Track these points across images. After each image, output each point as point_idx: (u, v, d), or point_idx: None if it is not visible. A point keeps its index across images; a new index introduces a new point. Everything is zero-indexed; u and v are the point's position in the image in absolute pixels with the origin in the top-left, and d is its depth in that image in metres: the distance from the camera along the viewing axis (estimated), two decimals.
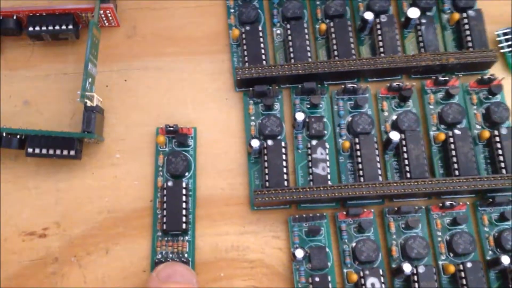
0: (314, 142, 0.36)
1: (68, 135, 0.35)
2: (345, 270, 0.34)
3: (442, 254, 0.34)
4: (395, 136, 0.35)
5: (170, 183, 0.35)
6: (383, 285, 0.33)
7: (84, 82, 0.35)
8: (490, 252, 0.34)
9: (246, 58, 0.37)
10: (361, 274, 0.33)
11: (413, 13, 0.37)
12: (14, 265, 0.34)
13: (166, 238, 0.35)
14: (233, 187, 0.36)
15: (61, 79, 0.38)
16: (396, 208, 0.34)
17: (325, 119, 0.37)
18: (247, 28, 0.38)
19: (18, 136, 0.35)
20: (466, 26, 0.37)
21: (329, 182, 0.35)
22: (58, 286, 0.34)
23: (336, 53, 0.37)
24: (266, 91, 0.37)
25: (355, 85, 0.36)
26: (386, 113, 0.37)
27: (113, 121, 0.37)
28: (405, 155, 0.35)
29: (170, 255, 0.34)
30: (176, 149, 0.36)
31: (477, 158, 0.36)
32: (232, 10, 0.39)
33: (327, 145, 0.36)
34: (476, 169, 0.35)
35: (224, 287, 0.34)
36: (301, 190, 0.34)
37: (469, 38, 0.37)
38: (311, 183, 0.35)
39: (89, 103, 0.35)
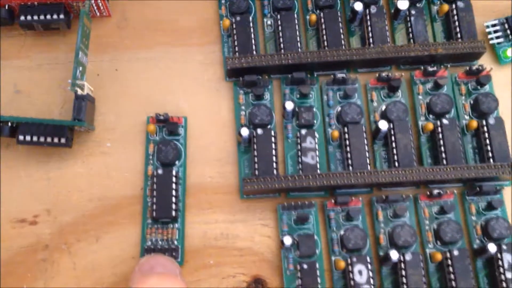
0: (303, 131, 0.36)
1: (59, 123, 0.35)
2: (333, 258, 0.34)
3: (430, 243, 0.34)
4: (383, 125, 0.35)
5: (160, 171, 0.35)
6: (370, 273, 0.33)
7: (74, 71, 0.35)
8: (477, 241, 0.35)
9: (236, 48, 0.38)
10: (349, 261, 0.33)
11: (403, 4, 0.38)
12: (4, 252, 0.34)
13: (156, 226, 0.35)
14: (222, 175, 0.36)
15: (52, 69, 0.38)
16: (384, 197, 0.35)
17: (314, 109, 0.37)
18: (238, 18, 0.38)
19: (10, 124, 0.35)
20: (455, 18, 0.38)
21: (318, 171, 0.35)
22: (48, 272, 0.34)
23: (326, 43, 0.38)
24: (256, 81, 0.37)
25: (344, 75, 0.37)
26: (375, 103, 0.37)
27: (104, 110, 0.38)
28: (394, 145, 0.35)
29: (160, 243, 0.34)
30: (166, 138, 0.37)
31: (465, 148, 0.36)
32: (223, 1, 0.39)
33: (316, 134, 0.36)
34: (464, 159, 0.35)
35: (214, 274, 0.34)
36: (290, 178, 0.34)
37: (458, 29, 0.37)
38: (300, 172, 0.35)
39: (79, 92, 0.35)
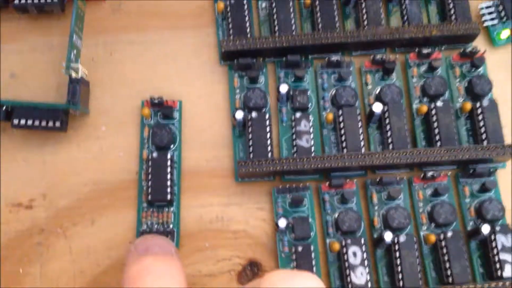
0: (298, 114, 0.36)
1: (53, 106, 0.35)
2: (327, 240, 0.34)
3: (424, 225, 0.35)
4: (377, 107, 0.35)
5: (155, 155, 0.35)
6: (364, 254, 0.33)
7: (69, 54, 0.35)
8: (471, 223, 0.35)
9: (231, 31, 0.38)
10: (343, 243, 0.33)
11: None
12: (1, 236, 0.35)
13: (151, 209, 0.35)
14: (217, 159, 0.36)
15: (47, 52, 0.38)
16: (378, 179, 0.35)
17: (309, 92, 0.37)
18: (232, 1, 0.38)
19: (5, 108, 0.35)
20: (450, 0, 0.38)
21: (313, 154, 0.35)
22: (44, 256, 0.34)
23: (320, 26, 0.37)
24: (250, 64, 0.37)
25: (339, 58, 0.37)
26: (369, 86, 0.37)
27: (99, 94, 0.38)
28: (388, 127, 0.35)
29: (156, 226, 0.35)
30: (161, 121, 0.37)
31: (459, 130, 0.36)
32: None
33: (311, 117, 0.36)
34: (458, 141, 0.35)
35: (209, 257, 0.34)
36: (284, 161, 0.34)
37: (452, 11, 0.37)
38: (295, 155, 0.35)
39: (74, 75, 0.35)
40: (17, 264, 0.34)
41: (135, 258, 0.29)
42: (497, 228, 0.33)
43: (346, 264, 0.33)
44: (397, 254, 0.33)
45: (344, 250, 0.33)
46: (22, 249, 0.34)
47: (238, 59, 0.37)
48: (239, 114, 0.35)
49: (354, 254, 0.33)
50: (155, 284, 0.27)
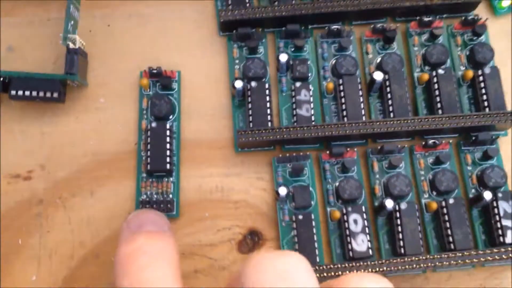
0: (298, 84, 0.36)
1: (51, 76, 0.35)
2: (328, 209, 0.34)
3: (425, 193, 0.34)
4: (378, 76, 0.35)
5: (154, 125, 0.35)
6: (365, 222, 0.33)
7: (66, 24, 0.35)
8: (473, 191, 0.35)
9: (229, 1, 0.37)
10: (344, 211, 0.33)
11: None
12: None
13: (150, 179, 0.35)
14: (217, 130, 0.36)
15: (45, 25, 0.38)
16: (379, 148, 0.34)
17: (309, 62, 0.36)
18: None
19: (2, 79, 0.35)
20: None
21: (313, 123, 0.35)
22: (43, 227, 0.34)
23: None
24: (249, 33, 0.36)
25: (339, 28, 0.36)
26: (370, 56, 0.37)
27: (97, 66, 0.37)
28: (389, 96, 0.35)
29: (155, 196, 0.34)
30: (160, 92, 0.36)
31: (460, 98, 0.36)
32: None
33: (311, 87, 0.36)
34: (460, 109, 0.35)
35: (209, 226, 0.34)
36: (284, 129, 0.34)
37: None
38: (295, 124, 0.35)
39: (71, 46, 0.35)
40: (17, 235, 0.34)
41: (128, 236, 0.29)
42: (499, 195, 0.33)
43: (347, 232, 0.33)
44: (398, 221, 0.33)
45: (345, 218, 0.33)
46: (21, 219, 0.34)
47: (237, 29, 0.36)
48: (239, 84, 0.35)
49: (355, 221, 0.33)
50: (150, 265, 0.26)
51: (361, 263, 0.32)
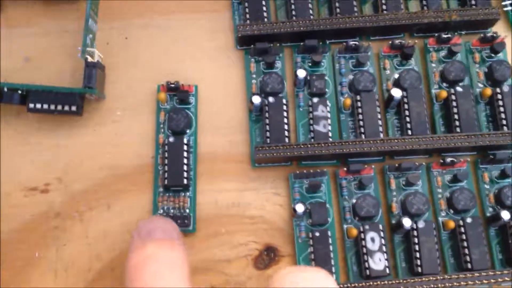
0: (315, 99, 0.36)
1: (69, 90, 0.35)
2: (345, 226, 0.34)
3: (442, 211, 0.34)
4: (396, 92, 0.35)
5: (171, 139, 0.35)
6: (382, 240, 0.33)
7: (84, 38, 0.35)
8: (490, 209, 0.34)
9: (247, 16, 0.37)
10: (361, 229, 0.33)
11: None
12: (16, 220, 0.35)
13: (167, 194, 0.35)
14: (234, 144, 0.36)
15: (62, 37, 0.38)
16: (396, 165, 0.34)
17: (326, 77, 0.36)
18: None
19: (20, 92, 0.35)
20: None
21: (330, 140, 0.35)
22: (60, 240, 0.34)
23: (338, 10, 0.37)
24: (267, 49, 0.36)
25: (357, 43, 0.36)
26: (388, 72, 0.37)
27: (114, 78, 0.37)
28: (407, 113, 0.35)
29: (172, 211, 0.34)
30: (177, 106, 0.36)
31: (478, 116, 0.36)
32: None
33: (328, 103, 0.36)
34: (478, 127, 0.35)
35: (225, 242, 0.34)
36: (302, 146, 0.34)
37: None
38: (312, 140, 0.35)
39: (90, 59, 0.35)
40: (34, 248, 0.34)
41: (138, 244, 0.29)
42: None
43: (364, 250, 0.33)
44: (416, 240, 0.33)
45: (362, 235, 0.33)
46: (38, 232, 0.34)
47: (254, 44, 0.36)
48: (256, 99, 0.35)
49: (372, 239, 0.33)
50: (160, 273, 0.27)
51: (378, 282, 0.32)
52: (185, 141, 0.35)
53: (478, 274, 0.32)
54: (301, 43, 0.37)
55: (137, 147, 0.36)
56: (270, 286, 0.25)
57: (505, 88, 0.35)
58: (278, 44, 0.37)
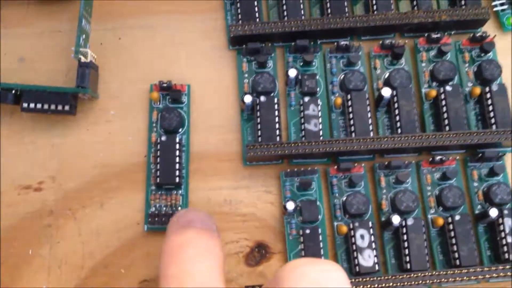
0: (306, 98, 0.36)
1: (63, 90, 0.35)
2: (335, 223, 0.34)
3: (431, 208, 0.35)
4: (386, 92, 0.35)
5: (163, 138, 0.35)
6: (372, 237, 0.33)
7: (78, 38, 0.35)
8: (479, 207, 0.35)
9: (239, 16, 0.38)
10: (351, 226, 0.33)
11: None
12: (10, 218, 0.35)
13: (159, 192, 0.35)
14: (226, 143, 0.37)
15: (55, 37, 0.39)
16: (386, 163, 0.35)
17: (317, 77, 0.37)
18: None
19: (14, 91, 0.35)
20: None
21: (321, 138, 0.35)
22: (53, 238, 0.35)
23: (329, 10, 0.37)
24: (259, 48, 0.37)
25: (347, 43, 0.37)
26: (378, 71, 0.37)
27: (107, 78, 0.38)
28: (397, 111, 0.35)
29: (164, 208, 0.35)
30: (170, 105, 0.37)
31: (467, 114, 0.36)
32: None
33: (319, 101, 0.36)
34: (467, 125, 0.35)
35: None
36: (293, 144, 0.34)
37: None
38: (303, 138, 0.35)
39: (83, 59, 0.35)
40: (27, 245, 0.34)
41: (177, 229, 0.28)
42: (505, 212, 0.33)
43: (354, 247, 0.33)
44: (405, 237, 0.33)
45: (352, 232, 0.33)
46: (31, 230, 0.35)
47: (246, 44, 0.37)
48: (248, 98, 0.35)
49: (362, 236, 0.33)
50: (197, 258, 0.26)
51: (367, 278, 0.32)
52: (177, 140, 0.35)
53: (466, 271, 0.32)
54: (293, 43, 0.37)
55: (130, 146, 0.36)
56: (280, 275, 0.25)
57: (494, 87, 0.35)
58: (270, 44, 0.38)
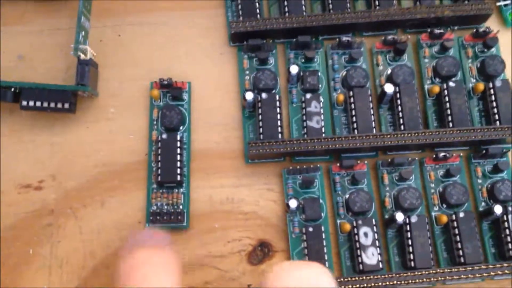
0: (308, 95, 0.36)
1: (62, 88, 0.35)
2: (338, 221, 0.34)
3: (435, 205, 0.34)
4: (389, 88, 0.35)
5: (164, 136, 0.35)
6: (375, 235, 0.33)
7: (77, 35, 0.35)
8: (483, 203, 0.35)
9: (240, 12, 0.37)
10: (354, 224, 0.33)
11: None
12: (10, 217, 0.35)
13: (161, 190, 0.35)
14: (227, 140, 0.36)
15: (55, 34, 0.38)
16: (389, 160, 0.34)
17: (319, 73, 0.37)
18: None
19: (13, 89, 0.35)
20: None
21: (323, 135, 0.35)
22: (54, 237, 0.34)
23: (331, 6, 0.37)
24: (260, 45, 0.36)
25: (349, 39, 0.36)
26: (381, 67, 0.37)
27: (107, 76, 0.37)
28: (399, 108, 0.35)
29: (165, 207, 0.34)
30: (170, 103, 0.36)
31: (471, 110, 0.36)
32: None
33: (321, 98, 0.36)
34: (470, 121, 0.35)
35: (219, 238, 0.34)
36: (295, 142, 0.34)
37: None
38: (306, 136, 0.35)
39: (82, 56, 0.35)
40: (28, 245, 0.34)
41: (131, 249, 0.29)
42: (510, 209, 0.33)
43: (357, 245, 0.33)
44: (409, 234, 0.33)
45: (355, 230, 0.33)
46: (32, 229, 0.34)
47: (247, 40, 0.36)
48: (249, 95, 0.35)
49: (365, 234, 0.33)
50: (152, 274, 0.27)
51: (371, 276, 0.32)
52: (178, 137, 0.35)
53: (471, 268, 0.32)
54: (294, 39, 0.37)
55: (131, 144, 0.36)
56: (264, 286, 0.25)
57: (498, 83, 0.35)
58: (271, 41, 0.37)
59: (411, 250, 0.33)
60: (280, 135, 0.35)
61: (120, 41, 0.38)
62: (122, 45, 0.38)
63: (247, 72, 0.37)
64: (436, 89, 0.35)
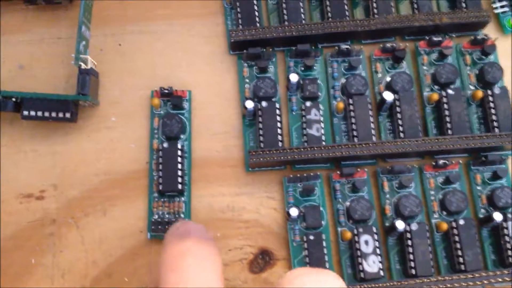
0: (308, 103, 0.36)
1: (63, 97, 0.35)
2: (339, 229, 0.34)
3: (435, 213, 0.35)
4: (388, 96, 0.35)
5: (165, 145, 0.35)
6: (376, 243, 0.33)
7: (78, 45, 0.35)
8: (483, 210, 0.35)
9: (240, 21, 0.37)
10: (355, 232, 0.33)
11: None
12: (12, 227, 0.35)
13: (162, 199, 0.35)
14: (228, 149, 0.36)
15: (55, 44, 0.38)
16: (389, 168, 0.35)
17: (319, 81, 0.37)
18: None
19: (14, 99, 0.35)
20: None
21: (323, 143, 0.35)
22: (56, 246, 0.34)
23: (329, 14, 0.37)
24: (260, 53, 0.37)
25: (348, 47, 0.37)
26: (380, 75, 0.37)
27: (108, 84, 0.38)
28: (399, 116, 0.35)
29: (167, 216, 0.35)
30: (171, 111, 0.36)
31: (470, 118, 0.36)
32: None
33: (321, 106, 0.36)
34: (469, 129, 0.35)
35: (220, 246, 0.34)
36: (295, 150, 0.34)
37: None
38: (306, 144, 0.35)
39: (83, 66, 0.35)
40: (30, 255, 0.34)
41: (176, 238, 0.28)
42: (509, 215, 0.33)
43: (358, 253, 0.33)
44: (409, 242, 0.33)
45: (356, 238, 0.33)
46: (34, 239, 0.34)
47: (247, 49, 0.37)
48: (250, 104, 0.35)
49: (366, 242, 0.33)
50: (196, 266, 0.26)
51: (372, 284, 0.32)
52: (179, 146, 0.35)
53: (471, 275, 0.32)
54: (294, 48, 0.37)
55: (131, 153, 0.36)
56: (279, 286, 0.25)
57: (496, 90, 0.35)
58: (270, 49, 0.37)
59: (411, 257, 0.33)
60: (280, 143, 0.35)
61: (120, 50, 0.38)
62: (122, 54, 0.38)
63: (247, 80, 0.37)
64: (435, 96, 0.36)
